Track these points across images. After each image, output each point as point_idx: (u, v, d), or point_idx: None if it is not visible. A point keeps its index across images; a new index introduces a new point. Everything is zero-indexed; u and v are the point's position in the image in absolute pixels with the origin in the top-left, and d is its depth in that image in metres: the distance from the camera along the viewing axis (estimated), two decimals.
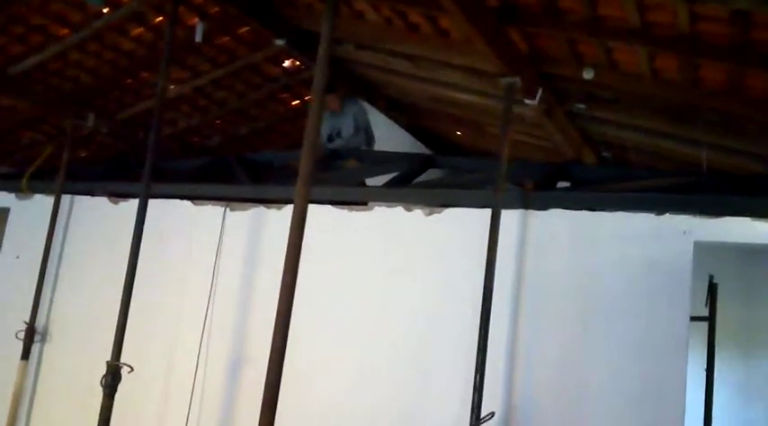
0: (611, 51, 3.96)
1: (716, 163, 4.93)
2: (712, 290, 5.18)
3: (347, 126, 5.83)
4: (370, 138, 5.96)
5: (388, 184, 4.65)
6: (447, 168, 5.41)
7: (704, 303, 5.13)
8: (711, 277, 5.18)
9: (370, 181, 5.26)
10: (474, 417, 3.45)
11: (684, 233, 3.66)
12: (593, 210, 3.91)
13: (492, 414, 3.50)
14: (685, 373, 3.52)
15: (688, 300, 3.60)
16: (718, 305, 5.21)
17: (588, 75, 4.16)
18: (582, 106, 4.80)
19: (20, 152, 6.25)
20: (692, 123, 4.50)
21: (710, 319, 5.17)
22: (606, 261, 3.77)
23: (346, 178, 5.14)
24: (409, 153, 6.35)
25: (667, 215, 3.73)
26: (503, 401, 3.73)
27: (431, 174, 5.17)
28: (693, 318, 3.85)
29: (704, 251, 3.72)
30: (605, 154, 6.23)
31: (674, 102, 4.40)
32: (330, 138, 5.81)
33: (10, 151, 6.23)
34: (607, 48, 3.91)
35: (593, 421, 3.61)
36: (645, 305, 3.64)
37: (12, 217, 5.44)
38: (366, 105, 6.25)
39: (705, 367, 5.17)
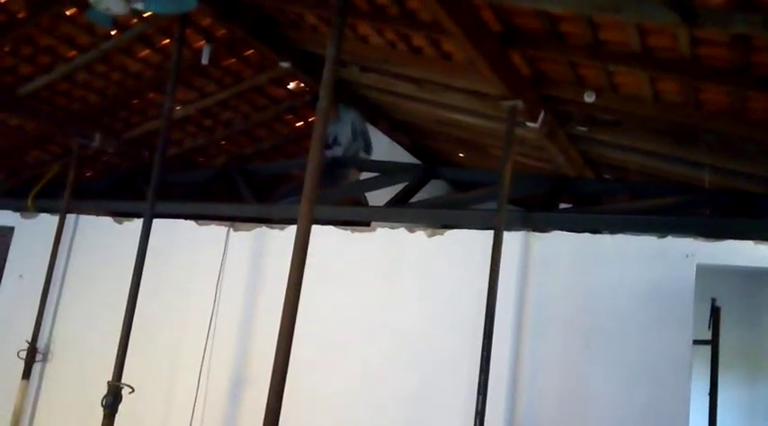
0: (613, 74, 3.98)
1: (718, 185, 4.93)
2: (715, 313, 5.15)
3: (345, 132, 5.84)
4: (368, 144, 5.97)
5: (391, 203, 4.66)
6: (448, 179, 5.42)
7: (707, 326, 5.11)
8: (714, 300, 5.16)
9: (372, 192, 5.26)
10: None
11: (687, 256, 3.66)
12: (595, 232, 3.92)
13: None
14: (688, 397, 3.50)
15: (691, 323, 3.59)
16: (722, 328, 5.18)
17: (590, 98, 4.18)
18: (584, 129, 4.81)
19: (26, 171, 6.29)
20: (694, 145, 4.51)
21: (713, 342, 5.14)
22: (609, 284, 3.77)
23: (348, 191, 5.15)
24: (411, 163, 6.41)
25: (669, 237, 3.74)
26: (505, 424, 3.71)
27: (434, 189, 5.17)
28: (696, 342, 3.84)
29: (707, 274, 3.72)
30: (607, 176, 6.24)
31: (676, 124, 4.41)
32: (327, 145, 5.82)
33: (16, 170, 6.27)
34: (608, 71, 3.93)
35: None
36: (647, 328, 3.64)
37: (16, 236, 5.47)
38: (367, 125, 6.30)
39: (708, 390, 5.14)
